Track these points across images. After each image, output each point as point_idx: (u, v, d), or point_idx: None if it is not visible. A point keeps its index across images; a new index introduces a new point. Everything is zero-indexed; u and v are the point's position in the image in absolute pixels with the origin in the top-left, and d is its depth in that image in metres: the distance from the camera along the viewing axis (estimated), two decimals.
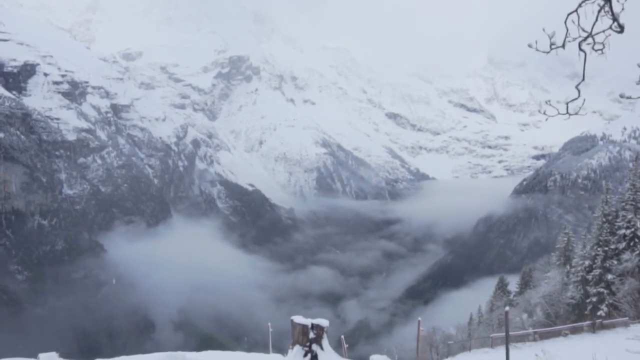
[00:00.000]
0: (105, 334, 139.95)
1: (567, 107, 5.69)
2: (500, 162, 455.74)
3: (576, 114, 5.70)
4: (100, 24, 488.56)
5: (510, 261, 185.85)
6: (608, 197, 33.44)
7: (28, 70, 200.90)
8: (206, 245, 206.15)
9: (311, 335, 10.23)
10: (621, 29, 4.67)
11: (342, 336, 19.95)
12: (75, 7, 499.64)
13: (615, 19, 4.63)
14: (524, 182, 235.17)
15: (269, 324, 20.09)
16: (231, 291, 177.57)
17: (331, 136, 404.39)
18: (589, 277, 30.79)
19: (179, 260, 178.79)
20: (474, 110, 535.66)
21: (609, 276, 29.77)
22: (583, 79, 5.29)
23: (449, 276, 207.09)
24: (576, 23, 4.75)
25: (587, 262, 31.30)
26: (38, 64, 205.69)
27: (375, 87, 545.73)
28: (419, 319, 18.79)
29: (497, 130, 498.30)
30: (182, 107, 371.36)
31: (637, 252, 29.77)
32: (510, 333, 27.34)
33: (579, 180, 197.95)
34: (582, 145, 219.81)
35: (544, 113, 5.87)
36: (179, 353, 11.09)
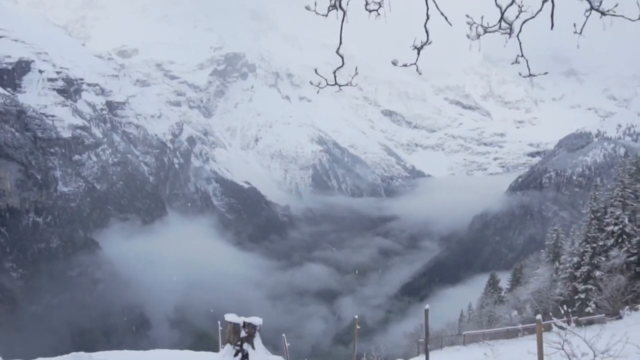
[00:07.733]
0: (101, 332, 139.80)
1: (335, 76, 5.25)
2: (495, 159, 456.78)
3: (348, 84, 5.28)
4: (96, 20, 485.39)
5: (506, 258, 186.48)
6: (597, 193, 33.68)
7: (23, 67, 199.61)
8: (202, 242, 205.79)
9: (242, 333, 9.96)
10: None
11: (284, 335, 19.97)
12: (72, 3, 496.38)
13: None
14: (519, 179, 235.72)
15: (219, 322, 20.13)
16: (227, 289, 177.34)
17: (327, 133, 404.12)
18: (577, 273, 31.04)
19: (175, 257, 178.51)
20: (470, 108, 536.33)
21: (597, 273, 30.02)
22: (340, 43, 4.92)
23: (444, 273, 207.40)
24: None
25: (575, 259, 31.55)
26: (33, 61, 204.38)
27: (371, 84, 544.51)
28: (355, 316, 19.11)
29: (493, 127, 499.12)
30: (178, 104, 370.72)
31: (625, 248, 30.03)
32: (493, 330, 27.73)
33: (574, 177, 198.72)
34: (577, 142, 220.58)
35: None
36: (83, 354, 11.02)
